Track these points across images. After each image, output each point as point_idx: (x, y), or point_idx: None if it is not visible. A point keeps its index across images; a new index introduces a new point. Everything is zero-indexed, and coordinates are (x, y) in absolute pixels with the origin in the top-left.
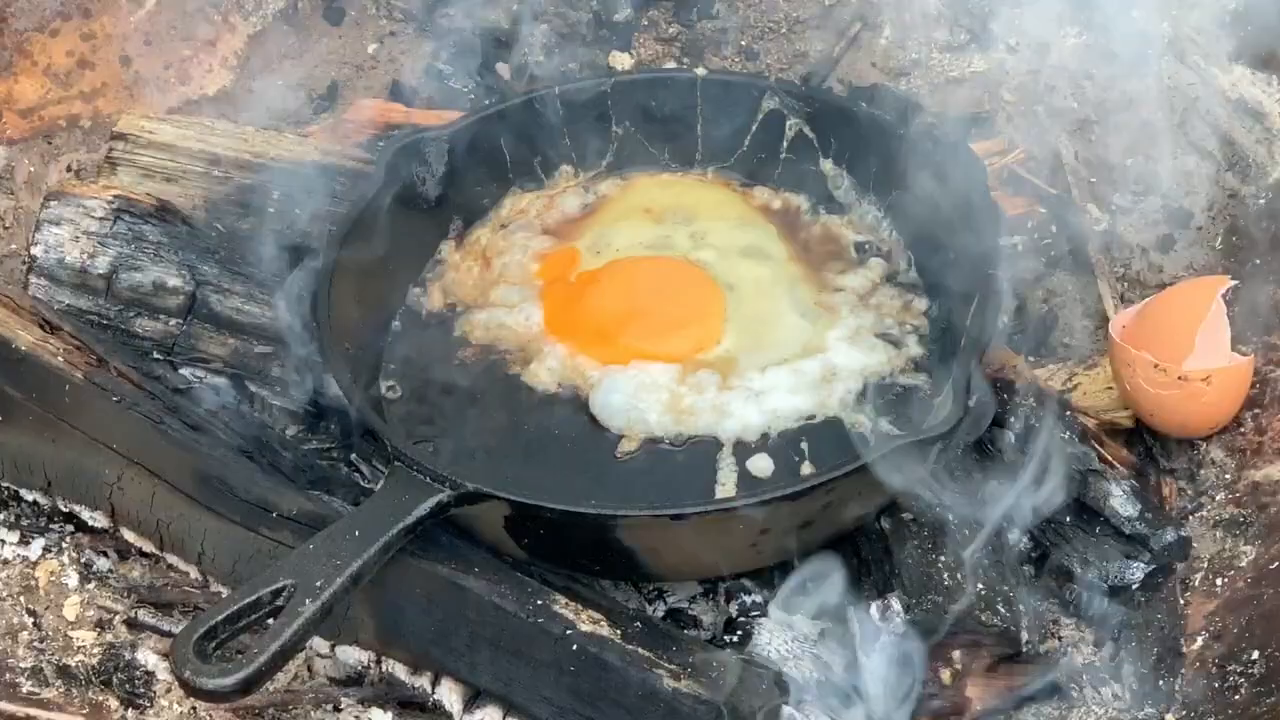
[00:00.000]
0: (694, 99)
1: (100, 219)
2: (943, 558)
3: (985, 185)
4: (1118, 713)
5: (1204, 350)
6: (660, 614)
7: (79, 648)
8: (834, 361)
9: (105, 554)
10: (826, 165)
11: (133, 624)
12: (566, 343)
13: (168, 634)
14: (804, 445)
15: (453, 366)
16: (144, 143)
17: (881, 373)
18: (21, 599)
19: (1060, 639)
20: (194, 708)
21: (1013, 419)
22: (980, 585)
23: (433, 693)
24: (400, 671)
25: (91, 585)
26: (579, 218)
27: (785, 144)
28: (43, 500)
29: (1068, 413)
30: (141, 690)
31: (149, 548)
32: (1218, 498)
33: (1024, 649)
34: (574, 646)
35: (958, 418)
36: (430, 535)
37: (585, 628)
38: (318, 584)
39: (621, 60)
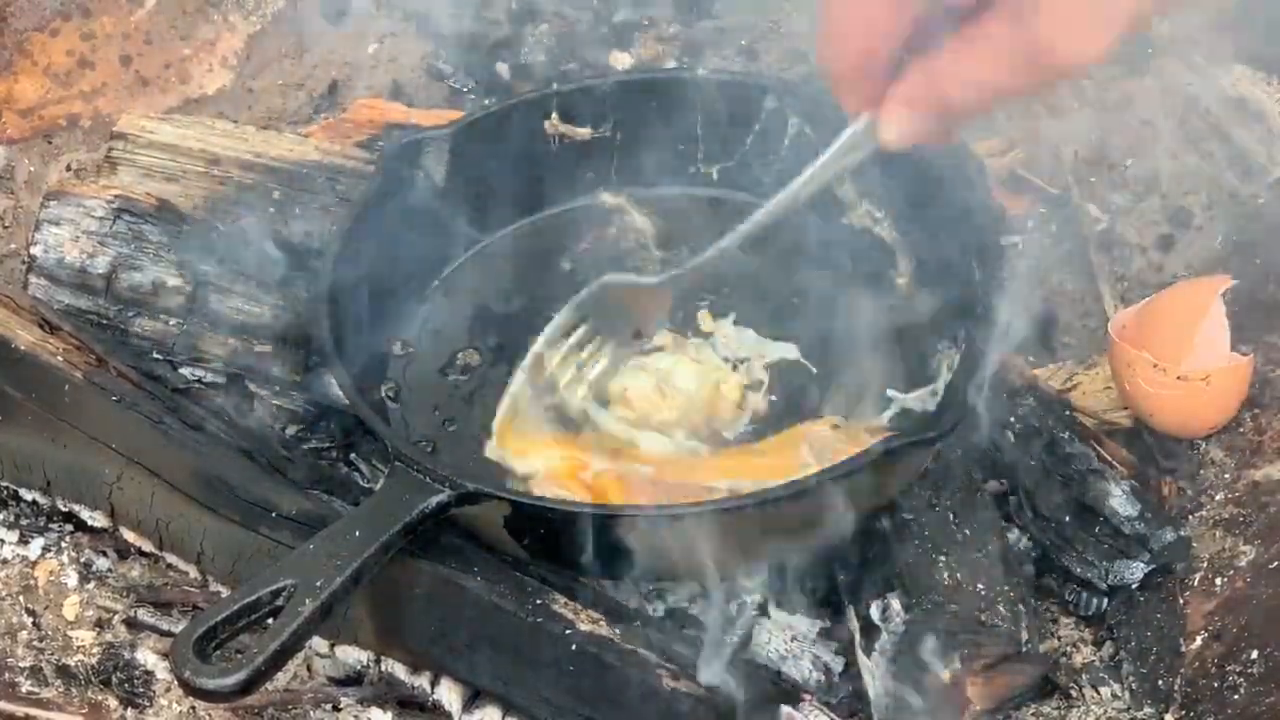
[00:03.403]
0: (694, 99)
1: (100, 219)
2: (943, 557)
3: (986, 185)
4: (1117, 712)
5: (1204, 350)
6: (660, 614)
7: (78, 647)
8: None
9: (105, 554)
10: None
11: (132, 624)
12: None
13: (167, 634)
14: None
15: (455, 366)
16: (144, 143)
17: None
18: (21, 598)
19: (1060, 639)
20: (193, 707)
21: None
22: (980, 585)
23: (432, 692)
24: (400, 671)
25: (91, 585)
26: None
27: (786, 143)
28: (42, 500)
29: (1068, 412)
30: (141, 690)
31: (149, 547)
32: (1217, 498)
33: (1024, 649)
34: (574, 646)
35: (958, 419)
36: (430, 535)
37: (585, 628)
38: (318, 584)
39: (621, 60)
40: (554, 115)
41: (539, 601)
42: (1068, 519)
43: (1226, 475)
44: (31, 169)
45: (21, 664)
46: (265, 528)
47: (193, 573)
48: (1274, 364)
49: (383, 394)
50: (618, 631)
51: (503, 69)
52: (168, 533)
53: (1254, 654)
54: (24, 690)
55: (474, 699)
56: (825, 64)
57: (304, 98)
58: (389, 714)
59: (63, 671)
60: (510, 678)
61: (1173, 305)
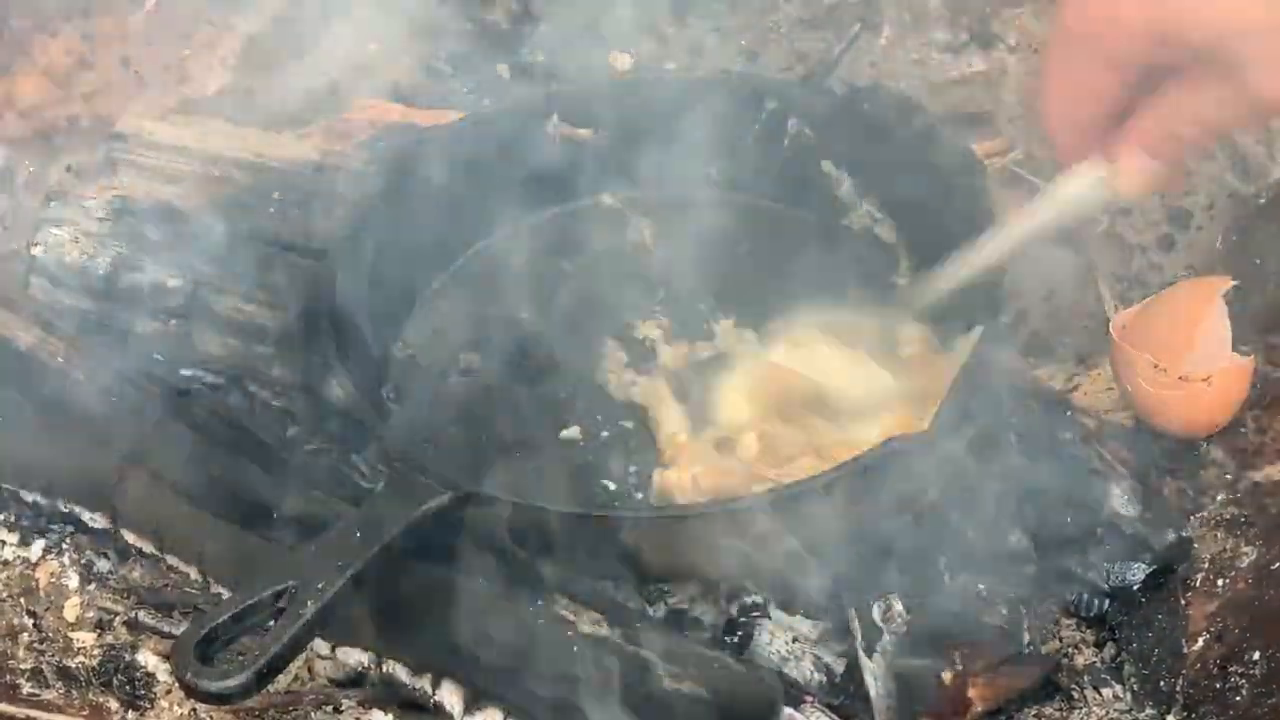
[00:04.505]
0: (694, 99)
1: (100, 219)
2: (943, 558)
3: (985, 186)
4: (1118, 713)
5: (1204, 350)
6: (660, 614)
7: (79, 649)
8: None
9: (105, 555)
10: (827, 166)
11: (133, 625)
12: None
13: (168, 635)
14: None
15: (456, 367)
16: (144, 143)
17: None
18: (22, 600)
19: (1061, 640)
20: (194, 709)
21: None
22: (981, 586)
23: (434, 694)
24: (401, 672)
25: (92, 586)
26: None
27: (786, 144)
28: (43, 501)
29: (1068, 413)
30: (142, 692)
31: (149, 549)
32: (1218, 498)
33: (1025, 650)
34: (575, 648)
35: (956, 418)
36: (431, 535)
37: (586, 629)
38: (319, 585)
39: (621, 60)
40: (554, 116)
41: (540, 602)
42: (1069, 519)
43: (1228, 476)
44: (31, 169)
45: (22, 666)
46: (266, 529)
47: (194, 574)
48: (1274, 364)
49: (383, 395)
50: (618, 632)
51: (503, 69)
52: (169, 534)
53: (1256, 655)
54: (25, 692)
55: (475, 700)
56: (1051, 129)
57: (304, 98)
58: (390, 716)
59: (63, 673)
60: (511, 679)
61: (1173, 305)
